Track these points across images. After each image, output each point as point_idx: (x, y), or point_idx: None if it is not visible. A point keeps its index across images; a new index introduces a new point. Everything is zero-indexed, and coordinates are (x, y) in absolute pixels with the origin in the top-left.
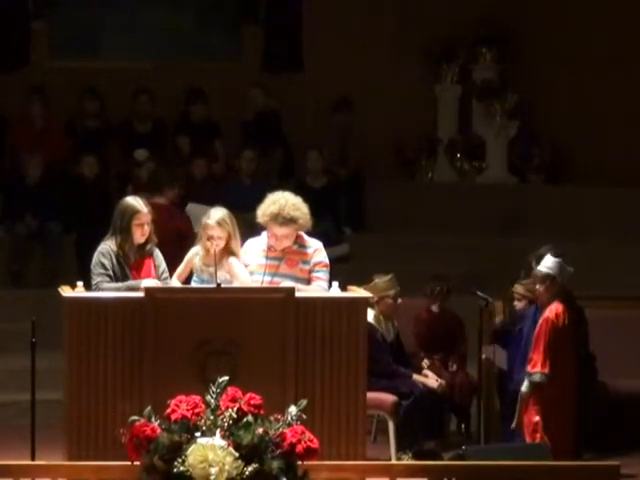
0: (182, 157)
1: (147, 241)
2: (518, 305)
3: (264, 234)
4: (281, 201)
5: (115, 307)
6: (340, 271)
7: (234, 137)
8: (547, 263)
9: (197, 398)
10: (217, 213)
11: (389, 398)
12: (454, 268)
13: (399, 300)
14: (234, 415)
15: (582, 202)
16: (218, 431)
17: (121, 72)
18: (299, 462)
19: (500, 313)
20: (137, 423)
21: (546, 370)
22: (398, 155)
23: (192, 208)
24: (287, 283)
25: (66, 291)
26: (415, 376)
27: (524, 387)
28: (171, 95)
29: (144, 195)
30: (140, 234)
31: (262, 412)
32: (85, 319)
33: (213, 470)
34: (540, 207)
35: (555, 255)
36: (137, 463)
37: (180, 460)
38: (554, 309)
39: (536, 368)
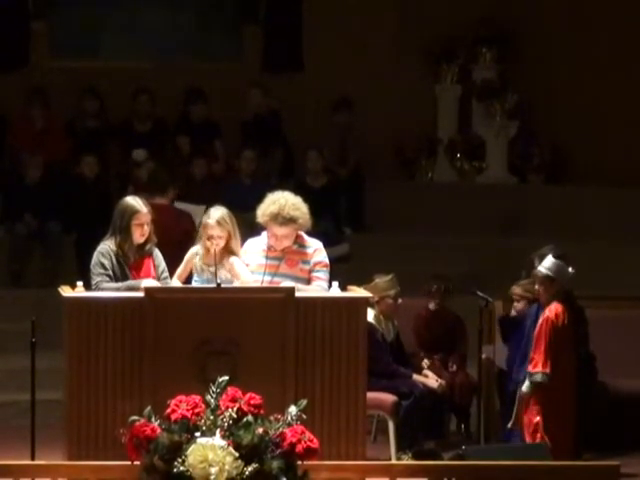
0: (182, 157)
1: (147, 241)
2: (517, 306)
3: (264, 234)
4: (281, 201)
5: (115, 307)
6: (340, 271)
7: (234, 137)
8: (547, 264)
9: (197, 398)
10: (217, 212)
11: (389, 398)
12: (454, 268)
13: (399, 300)
14: (234, 415)
15: (582, 202)
16: (218, 431)
17: (121, 72)
18: (299, 462)
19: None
20: (137, 423)
21: (547, 370)
22: (398, 155)
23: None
24: (287, 283)
25: (66, 291)
26: (415, 376)
27: (525, 387)
28: (171, 95)
29: (147, 196)
30: (140, 234)
31: (262, 412)
32: (85, 319)
33: (213, 470)
34: (540, 207)
35: (556, 256)
36: (137, 463)
37: (180, 460)
38: (554, 309)
39: (537, 368)
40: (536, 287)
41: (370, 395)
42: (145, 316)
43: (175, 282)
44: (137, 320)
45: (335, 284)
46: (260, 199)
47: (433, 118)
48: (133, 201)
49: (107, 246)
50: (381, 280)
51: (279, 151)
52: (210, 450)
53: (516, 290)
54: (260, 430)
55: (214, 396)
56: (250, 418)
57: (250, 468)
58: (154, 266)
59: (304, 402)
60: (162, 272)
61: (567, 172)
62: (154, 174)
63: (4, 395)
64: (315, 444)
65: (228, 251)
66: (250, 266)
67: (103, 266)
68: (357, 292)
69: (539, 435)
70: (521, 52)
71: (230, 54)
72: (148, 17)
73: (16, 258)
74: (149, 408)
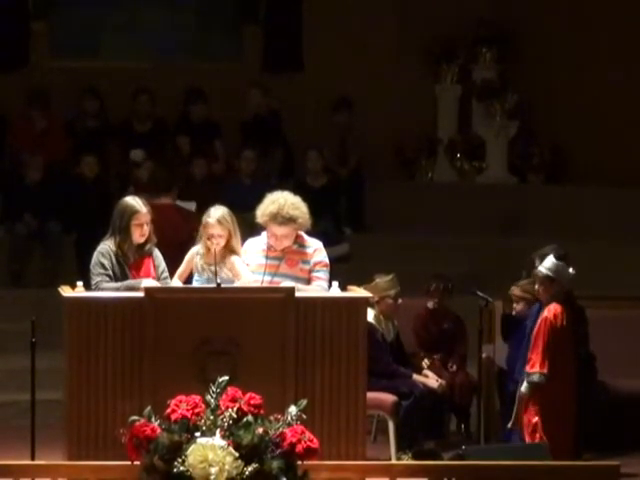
0: (182, 157)
1: (146, 241)
2: (517, 307)
3: (264, 234)
4: (280, 200)
5: (115, 307)
6: (340, 271)
7: (234, 137)
8: (547, 264)
9: (197, 398)
10: (217, 211)
11: (389, 398)
12: (454, 268)
13: (399, 300)
14: (234, 415)
15: (582, 202)
16: (218, 431)
17: (121, 72)
18: (299, 462)
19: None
20: (137, 423)
21: (545, 370)
22: (398, 155)
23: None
24: (287, 283)
25: (66, 291)
26: (415, 376)
27: (523, 387)
28: (171, 95)
29: (150, 196)
30: (139, 234)
31: (262, 412)
32: (85, 319)
33: (213, 470)
34: (540, 207)
35: (557, 257)
36: (137, 463)
37: (180, 460)
38: (553, 309)
39: (535, 368)
40: (536, 287)
41: (370, 395)
42: (145, 316)
43: (176, 281)
44: (137, 320)
45: (335, 284)
46: (260, 199)
47: (433, 118)
48: (133, 201)
49: (107, 246)
50: (381, 280)
51: (279, 151)
52: (210, 450)
53: (515, 291)
54: (260, 430)
55: (214, 396)
56: (250, 418)
57: (250, 468)
58: (154, 266)
59: (304, 402)
60: (162, 272)
61: (567, 172)
62: (156, 174)
63: (4, 395)
64: (315, 444)
65: (229, 250)
66: (250, 266)
67: (103, 266)
68: (357, 292)
69: (538, 435)
70: (521, 52)
71: (230, 54)
72: (148, 17)
73: (16, 258)
74: (149, 408)
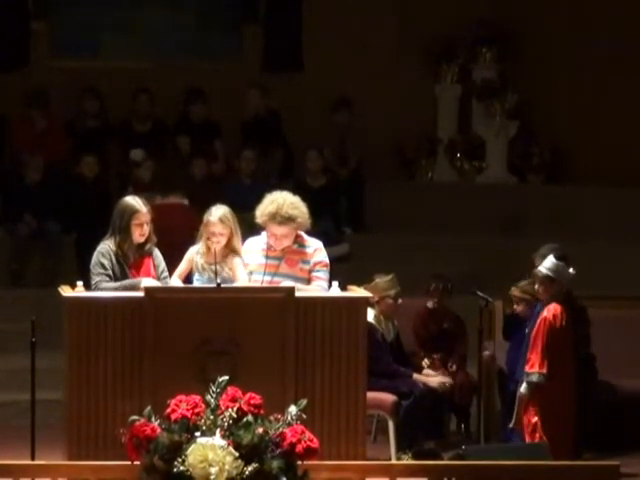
0: (182, 157)
1: (146, 241)
2: (517, 308)
3: (264, 234)
4: (279, 200)
5: (115, 307)
6: (340, 271)
7: (234, 137)
8: (547, 264)
9: (197, 398)
10: (219, 210)
11: (389, 398)
12: (454, 268)
13: (400, 300)
14: (234, 415)
15: (582, 202)
16: (218, 431)
17: (121, 72)
18: (299, 462)
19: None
20: (137, 423)
21: (544, 370)
22: (398, 155)
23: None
24: (287, 283)
25: (66, 291)
26: (415, 375)
27: (523, 388)
28: (171, 95)
29: (161, 195)
30: (139, 234)
31: (262, 412)
32: (85, 319)
33: (213, 470)
34: (540, 207)
35: (557, 257)
36: (137, 463)
37: (180, 460)
38: (552, 309)
39: (534, 368)
40: (536, 287)
41: (370, 395)
42: (145, 316)
43: (175, 280)
44: (137, 320)
45: (335, 284)
46: (260, 199)
47: (433, 118)
48: (133, 201)
49: (107, 246)
50: (381, 280)
51: (279, 151)
52: (210, 450)
53: (515, 292)
54: (260, 430)
55: (214, 396)
56: (250, 418)
57: (250, 468)
58: (154, 266)
59: (304, 402)
60: (162, 272)
61: (567, 172)
62: (163, 173)
63: (4, 395)
64: (315, 444)
65: (230, 249)
66: (250, 266)
67: (103, 266)
68: (357, 292)
69: (538, 435)
70: (521, 52)
71: (230, 54)
72: (148, 17)
73: (16, 258)
74: (149, 408)
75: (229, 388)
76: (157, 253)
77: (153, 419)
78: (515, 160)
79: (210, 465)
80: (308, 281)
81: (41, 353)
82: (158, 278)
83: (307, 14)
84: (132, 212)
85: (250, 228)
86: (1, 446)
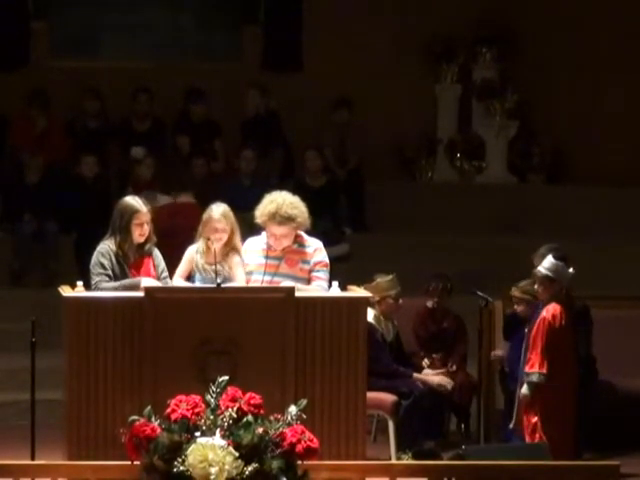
0: (182, 157)
1: (146, 241)
2: (518, 308)
3: (264, 233)
4: (278, 200)
5: (115, 307)
6: (340, 271)
7: (234, 137)
8: (547, 264)
9: (197, 398)
10: (219, 207)
11: (389, 398)
12: (454, 268)
13: (400, 301)
14: (234, 415)
15: (582, 202)
16: (218, 431)
17: (121, 72)
18: (299, 462)
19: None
20: (137, 423)
21: (544, 370)
22: (398, 155)
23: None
24: (287, 283)
25: (66, 291)
26: (415, 375)
27: (524, 389)
28: (171, 95)
29: (175, 195)
30: (139, 234)
31: (262, 412)
32: (85, 319)
33: (213, 470)
34: (540, 207)
35: (557, 257)
36: (137, 463)
37: (180, 460)
38: (551, 309)
39: (534, 368)
40: (535, 287)
41: (370, 395)
42: (145, 316)
43: (177, 281)
44: (137, 320)
45: (335, 284)
46: (260, 199)
47: (433, 118)
48: (132, 201)
49: (107, 246)
50: (382, 280)
51: (279, 151)
52: (210, 450)
53: (515, 292)
54: (260, 430)
55: (214, 396)
56: (250, 418)
57: (250, 468)
58: (154, 266)
59: (304, 402)
60: (162, 272)
61: (567, 172)
62: (180, 172)
63: (4, 395)
64: (315, 444)
65: (230, 247)
66: (250, 266)
67: (103, 266)
68: (357, 292)
69: (538, 435)
70: (521, 52)
71: (230, 54)
72: (148, 17)
73: (16, 258)
74: (149, 408)
75: (229, 388)
76: (157, 253)
77: (153, 419)
78: (515, 160)
79: (210, 465)
80: (308, 281)
81: (41, 353)
82: (158, 278)
83: (307, 14)
84: (132, 212)
85: (250, 228)
86: (1, 446)
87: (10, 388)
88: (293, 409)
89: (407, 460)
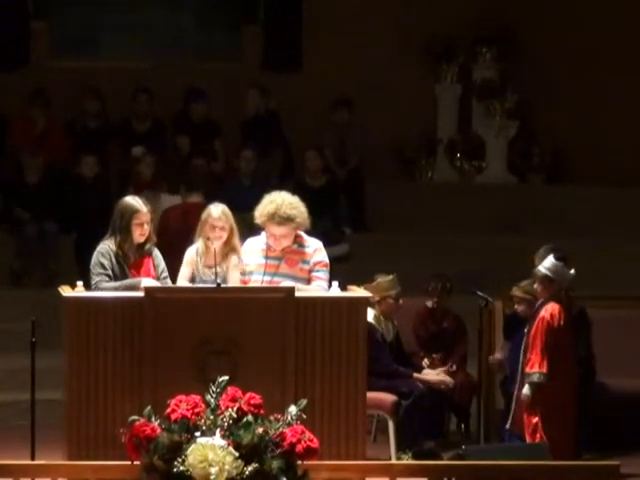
0: (182, 156)
1: (146, 241)
2: (519, 308)
3: (264, 234)
4: (278, 200)
5: (115, 307)
6: (340, 271)
7: (234, 137)
8: (547, 264)
9: (197, 398)
10: (218, 206)
11: (389, 398)
12: (454, 268)
13: (401, 301)
14: (234, 415)
15: (582, 202)
16: (218, 431)
17: (121, 72)
18: (299, 462)
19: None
20: (137, 423)
21: (544, 370)
22: (398, 155)
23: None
24: (287, 283)
25: (66, 291)
26: (415, 375)
27: (525, 389)
28: (171, 95)
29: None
30: (139, 233)
31: (262, 412)
32: (85, 319)
33: (213, 470)
34: (540, 207)
35: (557, 258)
36: (137, 463)
37: (180, 460)
38: (550, 309)
39: (534, 368)
40: (535, 286)
41: (370, 395)
42: (145, 316)
43: (183, 283)
44: (137, 320)
45: (335, 284)
46: (260, 199)
47: (433, 118)
48: (133, 201)
49: (107, 246)
50: (383, 280)
51: (279, 151)
52: (210, 450)
53: (516, 292)
54: (260, 430)
55: (214, 396)
56: (250, 418)
57: (250, 468)
58: (154, 266)
59: (304, 402)
60: (162, 272)
61: (567, 172)
62: (189, 173)
63: (4, 395)
64: (315, 444)
65: (230, 248)
66: (250, 266)
67: (103, 266)
68: (357, 292)
69: (538, 435)
70: (521, 52)
71: (230, 54)
72: (148, 17)
73: (16, 258)
74: (149, 408)
75: (229, 388)
76: (157, 253)
77: (153, 419)
78: (515, 160)
79: (210, 465)
80: (308, 281)
81: (41, 353)
82: (158, 278)
83: (307, 14)
84: (132, 212)
85: (250, 228)
86: (1, 446)
87: (10, 388)
88: (293, 409)
89: (407, 460)
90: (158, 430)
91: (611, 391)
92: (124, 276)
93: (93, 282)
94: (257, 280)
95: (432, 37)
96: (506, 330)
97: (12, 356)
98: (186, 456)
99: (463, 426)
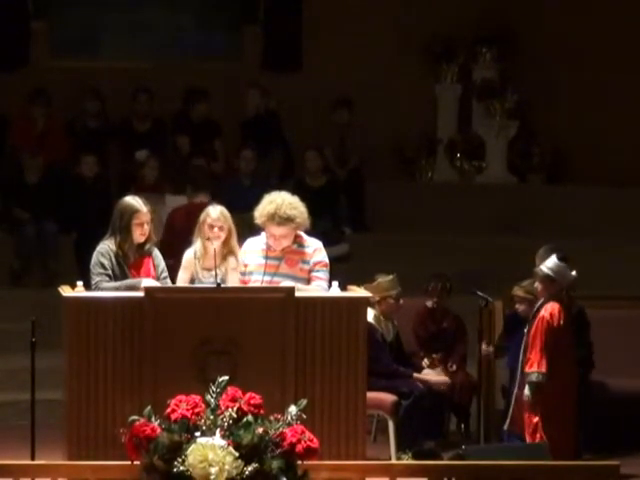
0: (182, 156)
1: (146, 241)
2: (520, 308)
3: (264, 234)
4: (277, 200)
5: (115, 307)
6: (340, 271)
7: (234, 137)
8: (549, 264)
9: (197, 398)
10: (216, 207)
11: (389, 398)
12: (454, 268)
13: (401, 301)
14: (234, 415)
15: (582, 202)
16: (218, 431)
17: (121, 72)
18: (299, 462)
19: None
20: (137, 423)
21: (543, 369)
22: (398, 155)
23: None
24: (287, 283)
25: (66, 291)
26: (415, 375)
27: (526, 389)
28: (171, 95)
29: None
30: (139, 233)
31: (262, 412)
32: (85, 319)
33: (213, 470)
34: (540, 207)
35: (559, 258)
36: (137, 463)
37: (180, 460)
38: (549, 309)
39: (533, 368)
40: (535, 285)
41: (370, 395)
42: (145, 316)
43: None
44: (137, 320)
45: (335, 284)
46: (260, 199)
47: (433, 118)
48: (133, 200)
49: (107, 246)
50: (383, 280)
51: (279, 151)
52: (210, 450)
53: (517, 292)
54: (260, 430)
55: (214, 396)
56: (250, 418)
57: (250, 468)
58: (154, 266)
59: (304, 402)
60: (162, 272)
61: (567, 172)
62: (195, 173)
63: (4, 395)
64: (315, 444)
65: (228, 249)
66: (250, 266)
67: (103, 266)
68: (357, 292)
69: (539, 435)
70: (521, 52)
71: (230, 54)
72: (148, 17)
73: (16, 258)
74: (149, 408)
75: (229, 388)
76: (157, 253)
77: (153, 419)
78: (515, 160)
79: (210, 465)
80: (308, 281)
81: (41, 353)
82: (158, 278)
83: (307, 14)
84: (132, 212)
85: (249, 228)
86: (1, 446)
87: (10, 388)
88: (293, 409)
89: (407, 460)
90: (158, 430)
91: (611, 391)
92: (124, 276)
93: (93, 282)
94: (257, 280)
95: (432, 37)
96: (506, 330)
97: (12, 356)
98: (186, 456)
99: (463, 426)
